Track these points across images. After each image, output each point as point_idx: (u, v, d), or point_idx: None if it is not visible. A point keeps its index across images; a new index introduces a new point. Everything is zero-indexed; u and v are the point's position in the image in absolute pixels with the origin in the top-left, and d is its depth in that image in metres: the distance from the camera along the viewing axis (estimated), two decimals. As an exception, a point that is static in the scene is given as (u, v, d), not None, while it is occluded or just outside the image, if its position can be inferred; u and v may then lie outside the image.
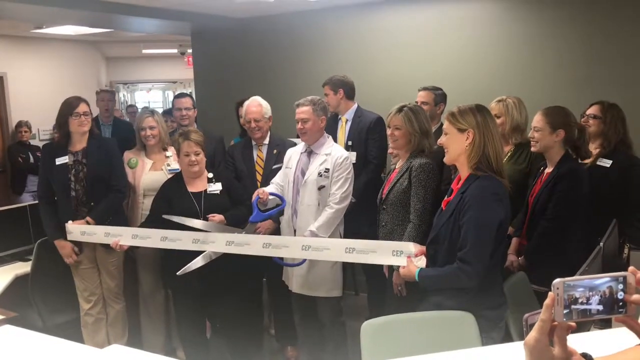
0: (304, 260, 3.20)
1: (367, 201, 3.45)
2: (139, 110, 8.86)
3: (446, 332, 2.25)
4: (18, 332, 2.42)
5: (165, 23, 5.40)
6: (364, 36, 5.10)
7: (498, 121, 3.23)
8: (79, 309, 3.65)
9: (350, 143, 3.97)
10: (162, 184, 3.49)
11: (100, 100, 5.30)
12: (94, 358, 2.26)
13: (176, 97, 4.41)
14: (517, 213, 3.08)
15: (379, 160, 3.98)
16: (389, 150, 3.17)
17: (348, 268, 4.21)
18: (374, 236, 3.05)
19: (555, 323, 0.96)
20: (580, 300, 0.94)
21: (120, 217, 3.60)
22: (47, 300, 3.68)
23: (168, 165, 3.73)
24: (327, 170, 3.27)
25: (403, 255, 2.63)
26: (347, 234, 3.34)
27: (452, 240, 2.27)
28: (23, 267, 3.74)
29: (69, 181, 3.45)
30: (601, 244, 2.47)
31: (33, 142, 7.28)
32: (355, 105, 4.07)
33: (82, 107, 3.42)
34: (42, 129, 7.73)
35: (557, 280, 0.95)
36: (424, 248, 2.53)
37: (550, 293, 0.95)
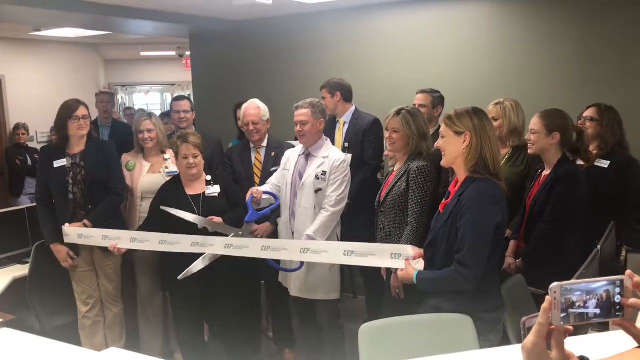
0: (301, 265, 3.21)
1: (365, 203, 3.45)
2: (136, 112, 8.89)
3: (444, 335, 2.25)
4: (16, 335, 2.42)
5: (163, 25, 5.41)
6: (362, 39, 5.11)
7: (495, 124, 3.24)
8: (76, 312, 3.64)
9: (347, 145, 3.98)
10: (160, 186, 3.49)
11: (100, 102, 5.31)
12: (92, 361, 2.26)
13: (174, 99, 4.42)
14: (515, 216, 3.09)
15: (375, 161, 3.99)
16: (385, 153, 3.17)
17: (346, 270, 4.21)
18: (371, 239, 3.05)
19: (553, 327, 0.96)
20: (577, 304, 0.94)
21: (118, 219, 3.60)
22: (44, 303, 3.67)
23: (166, 167, 3.73)
24: (324, 173, 3.28)
25: (401, 258, 2.63)
26: (345, 237, 3.34)
27: (449, 243, 2.28)
28: (21, 270, 3.74)
29: (67, 184, 3.45)
30: (599, 246, 2.48)
31: (31, 145, 7.28)
32: (353, 108, 4.08)
33: (81, 111, 3.42)
34: (40, 131, 7.72)
35: (554, 284, 0.95)
36: (422, 251, 2.54)
37: (547, 297, 0.95)
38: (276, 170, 3.60)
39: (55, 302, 3.70)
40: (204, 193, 3.39)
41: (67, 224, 3.42)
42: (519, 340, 2.10)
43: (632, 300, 0.96)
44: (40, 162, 3.64)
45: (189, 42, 6.28)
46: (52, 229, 3.48)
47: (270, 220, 3.60)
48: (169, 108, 4.88)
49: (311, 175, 3.29)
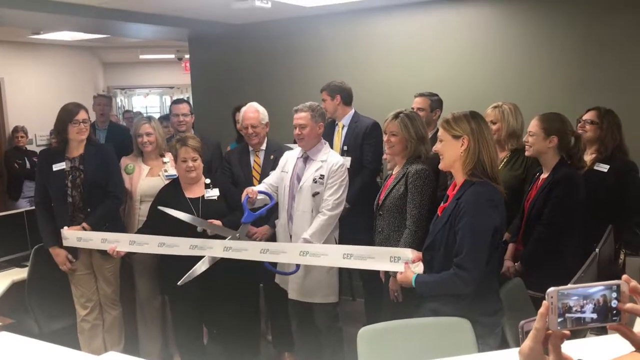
0: (297, 269, 3.21)
1: (363, 207, 3.46)
2: (134, 114, 8.90)
3: (442, 339, 2.25)
4: (14, 338, 2.41)
5: (162, 29, 5.41)
6: (360, 42, 5.11)
7: (494, 127, 3.25)
8: (75, 315, 3.64)
9: (345, 148, 3.99)
10: (159, 189, 3.50)
11: (97, 105, 5.32)
12: (91, 365, 2.26)
13: (173, 103, 4.42)
14: (513, 219, 3.09)
15: (374, 165, 3.99)
16: (384, 156, 3.18)
17: (345, 273, 4.21)
18: (369, 242, 3.06)
19: (550, 331, 0.96)
20: (574, 309, 0.95)
21: (117, 223, 3.60)
22: (43, 306, 3.67)
23: (165, 171, 3.74)
24: (322, 176, 3.28)
25: (401, 262, 2.63)
26: (343, 240, 3.34)
27: (448, 247, 2.28)
28: (20, 274, 3.73)
29: (66, 187, 3.45)
30: (597, 250, 2.48)
31: (30, 148, 7.28)
32: (352, 111, 4.09)
33: (81, 115, 3.42)
34: (38, 134, 7.72)
35: (551, 289, 0.95)
36: (421, 254, 2.54)
37: (544, 301, 0.96)
38: (275, 173, 3.60)
39: (54, 306, 3.70)
40: (203, 196, 3.39)
41: (66, 227, 3.42)
42: (518, 343, 2.10)
43: (629, 305, 0.96)
44: (39, 166, 3.64)
45: (188, 45, 6.29)
46: (51, 232, 3.48)
47: (269, 223, 3.60)
48: (168, 111, 4.89)
49: (309, 178, 3.29)
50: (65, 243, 3.43)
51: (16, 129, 7.11)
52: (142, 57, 9.37)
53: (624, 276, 0.97)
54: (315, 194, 3.27)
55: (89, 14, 4.53)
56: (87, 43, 7.88)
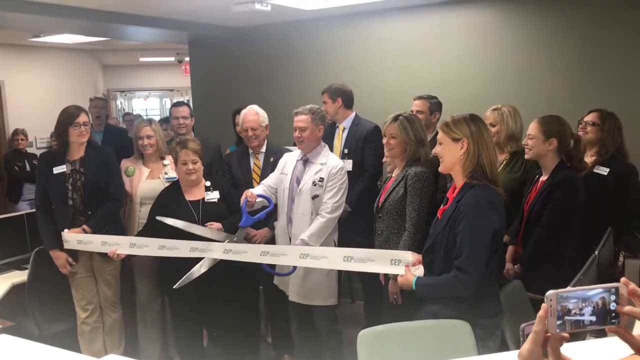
0: (294, 270, 3.21)
1: (363, 209, 3.46)
2: (134, 117, 8.91)
3: (442, 341, 2.25)
4: (14, 341, 2.41)
5: (162, 32, 5.42)
6: (360, 45, 5.12)
7: (493, 130, 3.25)
8: (75, 318, 3.64)
9: (346, 151, 3.99)
10: (160, 192, 3.50)
11: (93, 107, 5.32)
12: (91, 368, 2.26)
13: (173, 105, 4.43)
14: (513, 221, 3.10)
15: (375, 169, 3.99)
16: (383, 159, 3.18)
17: (344, 276, 4.21)
18: (369, 244, 3.06)
19: (549, 334, 0.97)
20: (573, 312, 0.95)
21: (117, 225, 3.60)
22: (43, 309, 3.67)
23: (165, 173, 3.74)
24: (321, 179, 3.28)
25: (401, 264, 2.63)
26: (342, 242, 3.34)
27: (448, 249, 2.28)
28: (20, 276, 3.74)
29: (67, 190, 3.46)
30: (596, 252, 2.48)
31: (30, 150, 7.29)
32: (353, 114, 4.09)
33: (82, 118, 3.43)
34: (39, 137, 7.73)
35: (550, 292, 0.96)
36: (421, 257, 2.54)
37: (543, 304, 0.96)
38: (275, 175, 3.60)
39: (54, 308, 3.70)
40: (203, 199, 3.39)
41: (66, 230, 3.42)
42: (518, 346, 2.11)
43: (627, 308, 0.96)
44: (40, 168, 3.65)
45: (188, 48, 6.30)
46: (52, 234, 3.48)
47: (268, 225, 3.61)
48: (168, 113, 4.89)
49: (308, 181, 3.30)
50: (65, 246, 3.43)
51: (16, 132, 7.12)
52: (142, 59, 9.39)
53: (623, 279, 0.98)
54: (314, 197, 3.27)
55: (89, 16, 4.54)
56: (87, 46, 7.89)
